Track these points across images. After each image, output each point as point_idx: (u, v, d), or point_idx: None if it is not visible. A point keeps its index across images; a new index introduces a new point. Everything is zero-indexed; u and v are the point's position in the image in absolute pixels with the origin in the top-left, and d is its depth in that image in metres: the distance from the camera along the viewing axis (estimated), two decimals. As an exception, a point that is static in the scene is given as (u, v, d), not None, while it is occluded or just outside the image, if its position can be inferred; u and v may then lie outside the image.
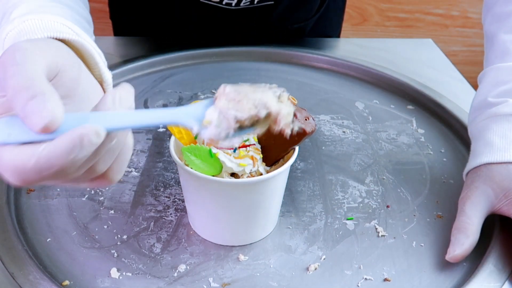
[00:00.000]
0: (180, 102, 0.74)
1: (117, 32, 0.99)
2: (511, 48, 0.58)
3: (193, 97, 0.76)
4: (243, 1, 0.81)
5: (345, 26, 1.78)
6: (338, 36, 1.05)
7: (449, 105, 0.72)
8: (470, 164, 0.54)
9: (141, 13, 0.91)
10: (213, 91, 0.77)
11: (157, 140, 0.66)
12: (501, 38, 0.59)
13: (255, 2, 0.82)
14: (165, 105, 0.73)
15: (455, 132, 0.69)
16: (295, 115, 0.46)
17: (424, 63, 0.87)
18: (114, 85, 0.81)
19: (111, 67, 0.79)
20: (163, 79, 0.80)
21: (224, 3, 0.81)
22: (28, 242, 0.50)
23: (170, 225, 0.53)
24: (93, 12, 0.57)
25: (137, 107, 0.76)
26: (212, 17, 0.84)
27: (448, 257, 0.49)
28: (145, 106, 0.73)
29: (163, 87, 0.78)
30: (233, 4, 0.81)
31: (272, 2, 0.84)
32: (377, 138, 0.68)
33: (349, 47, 0.91)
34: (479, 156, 0.53)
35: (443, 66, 0.87)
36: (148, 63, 0.82)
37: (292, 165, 0.49)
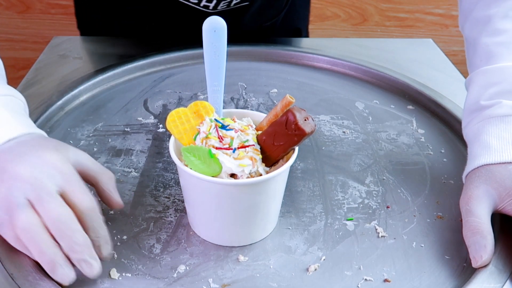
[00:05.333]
0: (180, 102, 0.74)
1: (84, 32, 0.98)
2: (495, 51, 0.58)
3: (193, 97, 0.76)
4: (221, 5, 0.82)
5: (345, 26, 1.78)
6: (307, 28, 1.06)
7: (449, 105, 0.72)
8: (469, 167, 0.54)
9: (113, 14, 0.91)
10: (213, 91, 0.77)
11: (156, 140, 0.66)
12: (484, 41, 0.59)
13: (232, 5, 0.83)
14: (164, 105, 0.73)
15: (455, 132, 0.69)
16: (294, 115, 0.46)
17: (424, 63, 0.87)
18: (114, 85, 0.81)
19: (111, 67, 0.79)
20: (163, 79, 0.80)
21: (201, 5, 0.81)
22: (28, 243, 0.50)
23: (169, 225, 0.53)
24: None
25: (137, 107, 0.76)
26: (187, 18, 0.85)
27: (477, 264, 0.47)
28: (145, 106, 0.73)
29: (163, 87, 0.78)
30: (211, 7, 0.82)
31: (247, 3, 0.84)
32: (377, 138, 0.68)
33: (349, 47, 0.91)
34: (477, 158, 0.53)
35: (443, 66, 0.87)
36: (148, 63, 0.82)
37: (292, 166, 0.49)
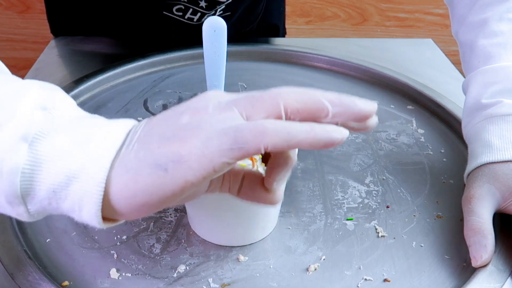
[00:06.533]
0: (179, 102, 0.74)
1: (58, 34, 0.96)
2: (493, 51, 0.58)
3: (193, 97, 0.75)
4: (205, 17, 0.83)
5: (345, 26, 1.79)
6: (284, 24, 1.06)
7: (449, 105, 0.72)
8: (471, 166, 0.54)
9: (95, 20, 0.91)
10: (213, 91, 0.77)
11: (156, 140, 0.66)
12: (481, 43, 0.60)
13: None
14: (164, 106, 0.73)
15: (455, 132, 0.69)
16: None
17: (424, 63, 0.87)
18: (114, 85, 0.80)
19: (111, 67, 0.79)
20: (163, 79, 0.80)
21: (186, 17, 0.82)
22: (28, 243, 0.50)
23: (169, 225, 0.53)
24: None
25: (137, 107, 0.76)
26: (173, 30, 0.85)
27: (477, 264, 0.47)
28: (145, 106, 0.73)
29: (163, 87, 0.78)
30: (195, 20, 0.83)
31: (229, 13, 0.85)
32: (377, 138, 0.68)
33: (349, 47, 0.91)
34: (479, 156, 0.53)
35: (443, 66, 0.87)
36: (148, 63, 0.82)
37: (291, 166, 0.49)
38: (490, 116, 0.54)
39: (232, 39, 0.91)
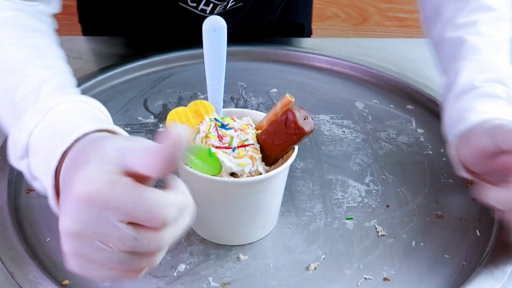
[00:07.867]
0: (179, 102, 0.75)
1: (85, 27, 0.99)
2: (482, 47, 0.59)
3: (193, 97, 0.76)
4: (217, 8, 0.83)
5: (345, 26, 1.79)
6: (310, 24, 1.05)
7: (449, 104, 0.72)
8: (471, 121, 0.53)
9: (113, 15, 0.91)
10: (213, 91, 0.77)
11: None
12: (470, 39, 0.60)
13: (227, 8, 0.84)
14: (164, 105, 0.73)
15: (455, 131, 0.69)
16: (293, 114, 0.46)
17: (424, 63, 0.87)
18: (114, 85, 0.80)
19: (111, 67, 0.79)
20: (162, 79, 0.80)
21: (199, 8, 0.82)
22: (28, 242, 0.50)
23: (169, 224, 0.53)
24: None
25: (137, 106, 0.76)
26: (186, 21, 0.85)
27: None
28: (145, 106, 0.73)
29: (163, 87, 0.78)
30: (208, 11, 0.83)
31: (241, 4, 0.85)
32: (377, 137, 0.68)
33: (349, 47, 0.91)
34: (482, 113, 0.53)
35: (443, 66, 0.87)
36: (148, 63, 0.82)
37: (291, 165, 0.49)
38: (485, 95, 0.55)
39: (246, 33, 0.91)
